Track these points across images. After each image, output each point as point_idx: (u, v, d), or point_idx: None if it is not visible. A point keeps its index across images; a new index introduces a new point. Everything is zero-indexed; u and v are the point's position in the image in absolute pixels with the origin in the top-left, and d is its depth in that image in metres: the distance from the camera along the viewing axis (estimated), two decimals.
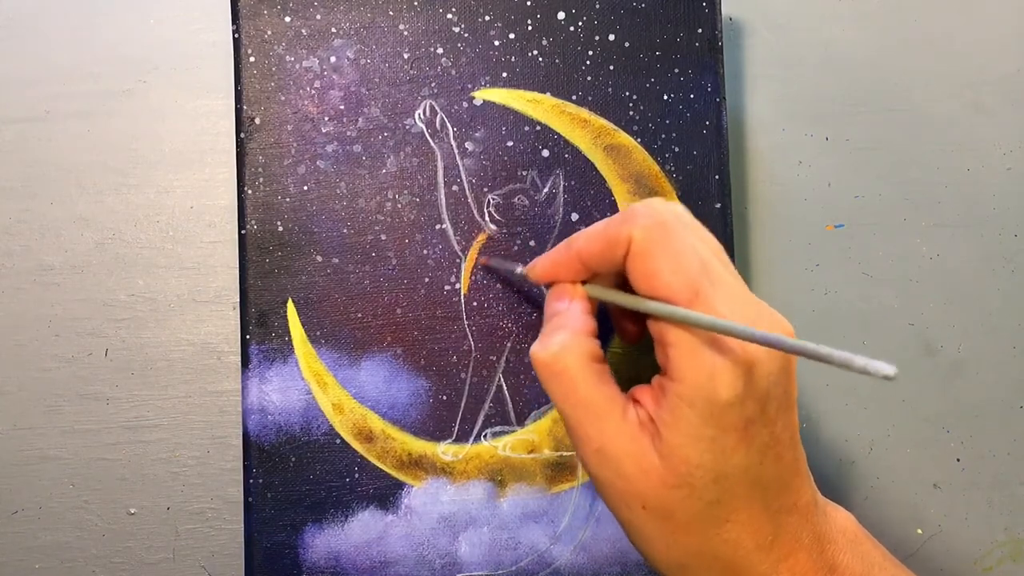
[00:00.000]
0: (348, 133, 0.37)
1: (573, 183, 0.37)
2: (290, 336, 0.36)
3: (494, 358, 0.37)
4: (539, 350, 0.30)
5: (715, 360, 0.27)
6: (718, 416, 0.27)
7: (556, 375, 0.29)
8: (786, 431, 0.29)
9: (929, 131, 0.42)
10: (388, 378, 0.37)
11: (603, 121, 0.38)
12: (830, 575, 0.30)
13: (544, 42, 0.37)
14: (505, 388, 0.37)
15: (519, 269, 0.34)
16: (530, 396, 0.37)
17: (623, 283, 0.31)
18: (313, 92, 0.37)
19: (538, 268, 0.32)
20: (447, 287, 0.37)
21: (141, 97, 0.41)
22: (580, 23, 0.38)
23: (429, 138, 0.37)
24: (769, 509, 0.29)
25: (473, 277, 0.37)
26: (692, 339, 0.28)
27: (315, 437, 0.36)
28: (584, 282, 0.32)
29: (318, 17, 0.37)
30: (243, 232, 0.37)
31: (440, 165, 0.37)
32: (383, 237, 0.37)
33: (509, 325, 0.37)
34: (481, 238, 0.37)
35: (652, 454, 0.28)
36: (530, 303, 0.37)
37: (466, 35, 0.37)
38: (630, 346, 0.36)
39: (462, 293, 0.37)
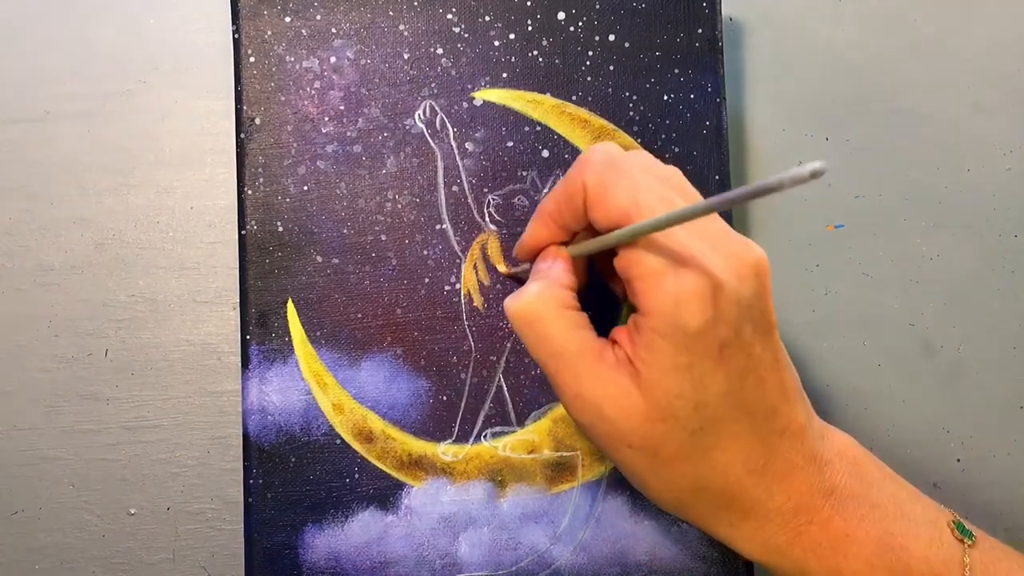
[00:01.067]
0: (348, 133, 0.37)
1: None
2: (290, 336, 0.36)
3: (494, 358, 0.37)
4: (511, 301, 0.30)
5: (679, 288, 0.27)
6: (690, 343, 0.27)
7: (529, 323, 0.29)
8: (766, 353, 0.29)
9: (929, 131, 0.42)
10: (388, 378, 0.37)
11: (603, 121, 0.38)
12: (828, 496, 0.30)
13: (544, 42, 0.37)
14: (505, 388, 0.37)
15: (525, 266, 0.35)
16: (530, 396, 0.37)
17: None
18: (313, 92, 0.37)
19: (523, 245, 0.33)
20: (447, 287, 0.37)
21: (141, 97, 0.41)
22: (580, 23, 0.38)
23: (429, 138, 0.37)
24: (758, 433, 0.29)
25: (476, 276, 0.37)
26: (654, 269, 0.28)
27: (315, 437, 0.36)
28: (566, 244, 0.32)
29: (318, 17, 0.37)
30: (243, 232, 0.37)
31: (440, 165, 0.37)
32: (383, 237, 0.37)
33: (509, 325, 0.37)
34: (482, 238, 0.37)
35: (633, 392, 0.28)
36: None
37: (466, 35, 0.37)
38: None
39: (462, 294, 0.37)
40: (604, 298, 0.35)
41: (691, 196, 0.30)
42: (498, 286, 0.37)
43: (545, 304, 0.29)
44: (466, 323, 0.37)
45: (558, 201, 0.31)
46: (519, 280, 0.37)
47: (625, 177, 0.29)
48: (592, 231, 0.31)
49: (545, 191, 0.37)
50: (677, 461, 0.29)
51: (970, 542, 0.31)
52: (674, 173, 0.30)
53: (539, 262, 0.32)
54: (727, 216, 0.37)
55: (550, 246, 0.32)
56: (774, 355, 0.29)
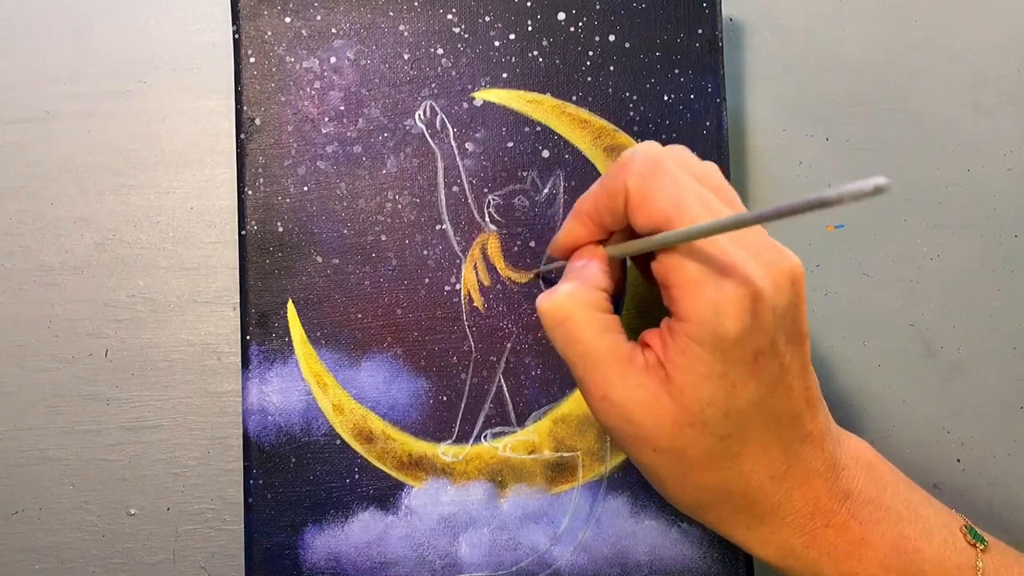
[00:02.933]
0: (348, 134, 0.37)
1: (573, 184, 0.37)
2: (290, 337, 0.36)
3: (494, 359, 0.37)
4: (543, 299, 0.30)
5: (719, 295, 0.27)
6: (727, 351, 0.27)
7: (559, 323, 0.29)
8: (795, 362, 0.29)
9: (929, 131, 0.42)
10: (388, 379, 0.37)
11: (603, 122, 0.37)
12: (845, 501, 0.30)
13: (544, 43, 0.37)
14: (505, 389, 0.37)
15: (556, 264, 0.34)
16: (530, 397, 0.37)
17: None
18: (313, 93, 0.37)
19: (558, 243, 0.33)
20: (447, 288, 0.37)
21: (141, 97, 0.41)
22: (580, 24, 0.38)
23: (429, 139, 0.37)
24: (782, 440, 0.29)
25: (476, 276, 0.37)
26: (695, 276, 0.27)
27: (315, 438, 0.36)
28: (603, 243, 0.32)
29: (318, 18, 0.37)
30: (243, 233, 0.37)
31: (440, 166, 0.37)
32: (383, 238, 0.37)
33: (509, 325, 0.37)
34: (482, 238, 0.37)
35: (663, 396, 0.28)
36: (529, 302, 0.37)
37: (466, 36, 0.37)
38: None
39: (462, 294, 0.37)
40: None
41: (728, 195, 0.30)
42: (498, 286, 0.37)
43: (576, 304, 0.29)
44: (466, 323, 0.37)
45: (597, 201, 0.30)
46: (548, 281, 0.37)
47: (668, 180, 0.28)
48: (630, 232, 0.31)
49: (545, 191, 0.37)
50: (702, 466, 0.29)
51: (983, 546, 0.31)
52: (712, 171, 0.30)
53: (574, 260, 0.32)
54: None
55: (586, 244, 0.32)
56: (802, 363, 0.29)
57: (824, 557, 0.30)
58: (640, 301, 0.37)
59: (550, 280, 0.37)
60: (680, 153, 0.30)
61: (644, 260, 0.32)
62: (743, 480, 0.29)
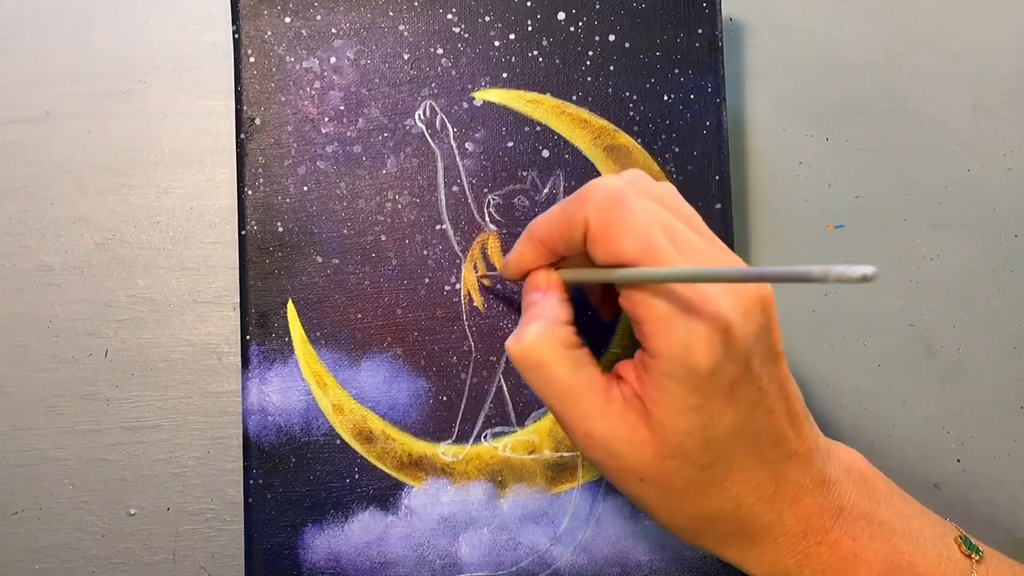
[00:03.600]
0: (348, 134, 0.37)
1: (573, 183, 0.37)
2: (290, 337, 0.36)
3: (494, 359, 0.37)
4: (513, 344, 0.30)
5: (688, 330, 0.27)
6: (701, 384, 0.27)
7: (533, 367, 0.29)
8: (773, 384, 0.29)
9: (929, 131, 0.42)
10: (388, 379, 0.37)
11: (603, 121, 0.37)
12: (837, 517, 0.30)
13: (544, 43, 0.37)
14: (505, 389, 0.37)
15: (492, 274, 0.35)
16: (530, 397, 0.37)
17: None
18: (313, 93, 0.37)
19: (510, 266, 0.32)
20: (447, 288, 0.37)
21: (141, 97, 0.41)
22: (580, 23, 0.38)
23: (429, 139, 0.37)
24: (766, 461, 0.29)
25: (476, 276, 0.37)
26: (662, 312, 0.27)
27: (315, 438, 0.36)
28: (556, 265, 0.32)
29: (318, 18, 0.37)
30: (243, 233, 0.37)
31: (440, 166, 0.37)
32: (383, 238, 0.37)
33: (509, 325, 0.37)
34: (482, 238, 0.37)
35: (642, 429, 0.28)
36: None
37: (466, 36, 0.37)
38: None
39: (462, 294, 0.37)
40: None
41: (689, 218, 0.30)
42: (498, 286, 0.37)
43: (547, 347, 0.29)
44: (466, 323, 0.37)
45: (552, 229, 0.30)
46: (493, 291, 0.37)
47: (631, 215, 0.28)
48: (585, 258, 0.31)
49: (545, 191, 0.37)
50: (688, 493, 0.29)
51: (977, 557, 0.31)
52: (671, 192, 0.30)
53: (531, 291, 0.32)
54: (726, 213, 0.37)
55: (539, 270, 0.32)
56: (781, 383, 0.29)
57: (818, 575, 0.30)
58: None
59: (495, 286, 0.37)
60: (638, 178, 0.30)
61: (601, 286, 0.32)
62: (731, 505, 0.29)
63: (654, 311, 0.27)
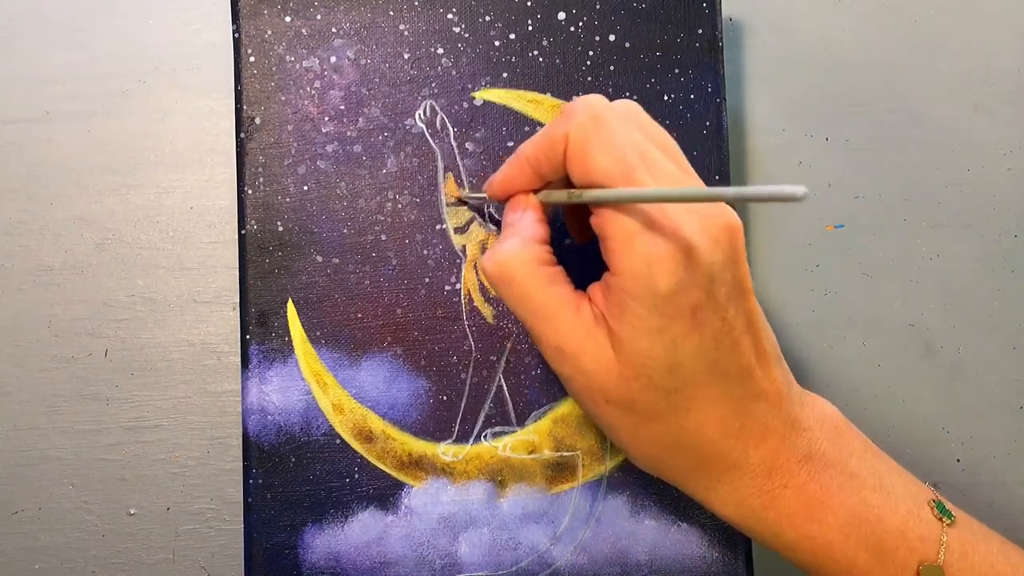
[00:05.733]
0: (348, 133, 0.37)
1: None
2: (290, 336, 0.36)
3: (494, 358, 0.37)
4: (488, 260, 0.30)
5: (650, 249, 0.27)
6: (662, 305, 0.27)
7: (506, 283, 0.30)
8: (740, 318, 0.29)
9: (929, 131, 0.42)
10: (388, 378, 0.37)
11: None
12: (805, 462, 0.30)
13: (544, 42, 0.37)
14: (505, 388, 0.37)
15: (477, 194, 0.35)
16: (530, 397, 0.37)
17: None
18: (313, 92, 0.37)
19: (494, 185, 0.33)
20: (447, 287, 0.37)
21: (141, 97, 0.41)
22: (580, 23, 0.38)
23: (429, 138, 0.37)
24: (731, 396, 0.29)
25: (476, 276, 0.37)
26: (626, 231, 0.28)
27: (315, 437, 0.36)
28: (537, 191, 0.32)
29: (318, 17, 0.37)
30: (243, 232, 0.37)
31: (440, 165, 0.37)
32: (383, 237, 0.37)
33: (509, 325, 0.37)
34: (482, 237, 0.37)
35: (608, 348, 0.29)
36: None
37: (466, 35, 0.37)
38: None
39: (462, 294, 0.37)
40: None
41: (665, 145, 0.30)
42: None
43: (521, 263, 0.29)
44: (466, 323, 0.37)
45: (537, 149, 0.30)
46: (472, 207, 0.37)
47: (608, 135, 0.29)
48: (567, 181, 0.31)
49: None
50: (652, 419, 0.29)
51: (949, 521, 0.31)
52: (664, 134, 0.30)
53: (509, 212, 0.32)
54: None
55: (519, 194, 0.32)
56: (749, 318, 0.29)
57: (783, 519, 0.30)
58: None
59: (470, 202, 0.37)
60: (630, 108, 0.30)
61: (575, 209, 0.32)
62: (693, 436, 0.29)
63: (620, 228, 0.28)
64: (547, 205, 0.32)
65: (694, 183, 0.30)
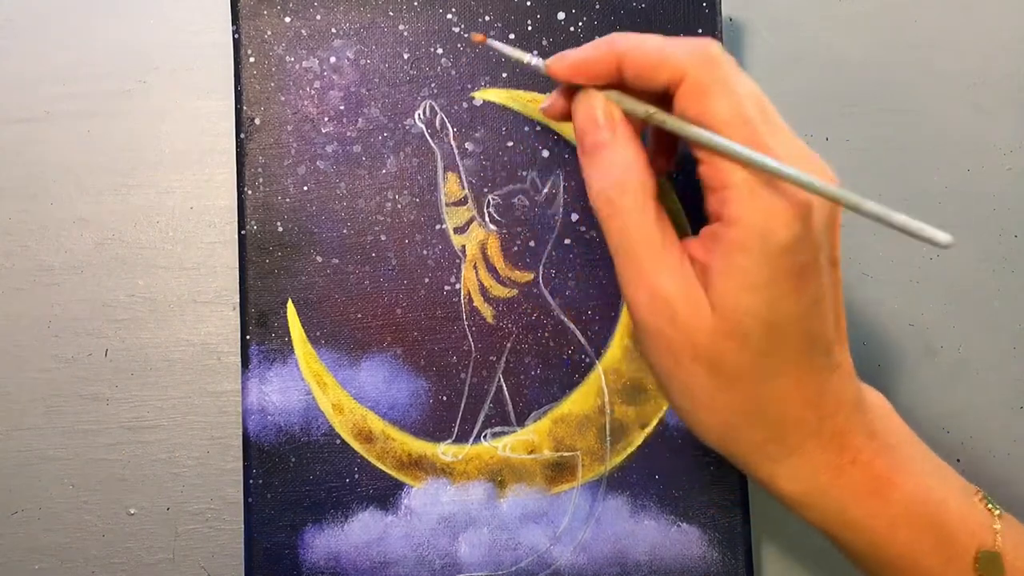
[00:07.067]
0: (348, 133, 0.37)
1: (573, 183, 0.37)
2: (290, 336, 0.36)
3: (494, 358, 0.37)
4: (598, 180, 0.28)
5: (774, 201, 0.26)
6: (774, 259, 0.27)
7: (616, 213, 0.28)
8: (832, 287, 0.28)
9: (929, 131, 0.42)
10: (388, 378, 0.37)
11: None
12: (871, 440, 0.29)
13: (544, 42, 0.37)
14: (505, 388, 0.37)
15: (531, 59, 0.31)
16: (530, 397, 0.37)
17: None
18: (313, 92, 0.37)
19: (567, 62, 0.30)
20: (447, 288, 0.37)
21: (141, 97, 0.41)
22: (580, 23, 0.38)
23: (429, 138, 0.37)
24: (816, 366, 0.28)
25: (476, 276, 0.37)
26: (751, 180, 0.27)
27: (315, 437, 0.36)
28: (610, 89, 0.30)
29: (318, 17, 0.37)
30: (243, 232, 0.37)
31: (440, 165, 0.37)
32: (383, 237, 0.37)
33: (509, 325, 0.37)
34: (482, 237, 0.37)
35: (706, 302, 0.27)
36: (529, 303, 0.37)
37: (466, 35, 0.37)
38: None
39: (462, 294, 0.37)
40: None
41: (774, 117, 0.29)
42: (498, 283, 0.37)
43: (633, 193, 0.28)
44: (466, 323, 0.37)
45: (641, 57, 0.28)
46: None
47: (731, 83, 0.27)
48: (642, 93, 0.29)
49: (545, 191, 0.37)
50: (739, 382, 0.28)
51: (998, 512, 0.31)
52: (759, 91, 0.29)
53: (594, 129, 0.29)
54: None
55: (605, 104, 0.29)
56: (836, 291, 0.29)
57: (849, 495, 0.29)
58: None
59: (498, 52, 0.33)
60: (734, 64, 0.29)
61: (659, 136, 0.31)
62: (777, 403, 0.28)
63: (740, 177, 0.27)
64: (631, 118, 0.29)
65: (805, 150, 0.28)
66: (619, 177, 0.28)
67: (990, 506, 0.31)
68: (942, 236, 0.21)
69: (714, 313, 0.27)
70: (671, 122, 0.28)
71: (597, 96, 0.30)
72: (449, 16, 0.37)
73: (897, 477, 0.29)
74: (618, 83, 0.30)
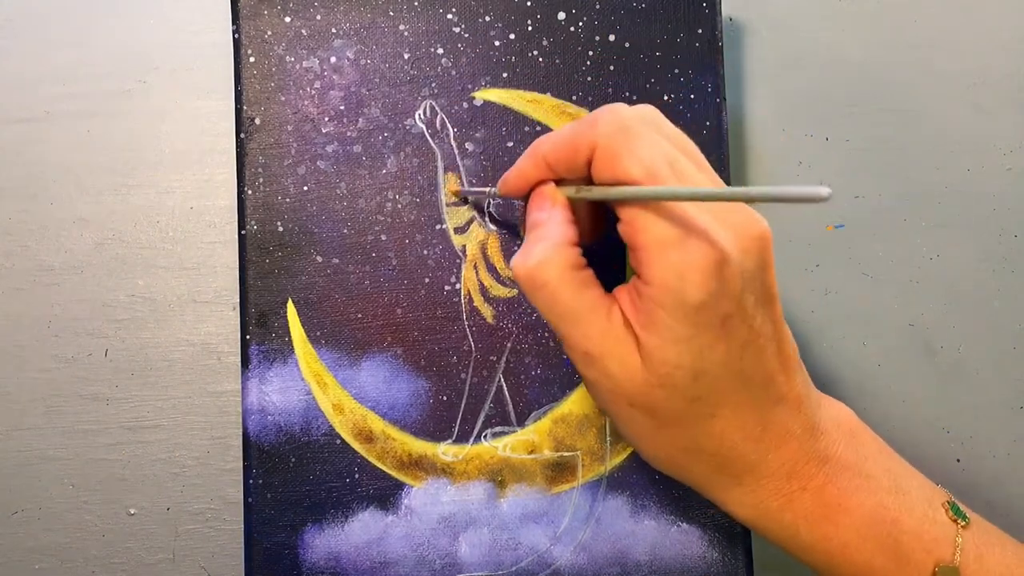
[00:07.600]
0: (348, 133, 0.37)
1: None
2: (290, 336, 0.36)
3: (494, 358, 0.37)
4: (520, 263, 0.30)
5: (683, 260, 0.27)
6: (692, 316, 0.27)
7: (539, 288, 0.29)
8: (766, 325, 0.29)
9: (929, 131, 0.42)
10: (388, 378, 0.37)
11: None
12: (823, 465, 0.30)
13: (544, 42, 0.37)
14: (505, 388, 0.37)
15: (491, 189, 0.34)
16: (530, 397, 0.37)
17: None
18: (313, 92, 0.37)
19: (509, 181, 0.32)
20: (447, 288, 0.37)
21: (141, 97, 0.41)
22: (580, 23, 0.38)
23: (429, 138, 0.37)
24: (755, 401, 0.29)
25: (476, 276, 0.37)
26: (660, 239, 0.27)
27: (315, 437, 0.36)
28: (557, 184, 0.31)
29: (318, 17, 0.37)
30: (243, 232, 0.37)
31: (440, 165, 0.37)
32: (383, 237, 0.37)
33: (509, 325, 0.37)
34: (482, 237, 0.37)
35: (634, 354, 0.29)
36: (529, 302, 0.37)
37: (466, 35, 0.37)
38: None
39: (462, 294, 0.37)
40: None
41: (699, 159, 0.30)
42: (499, 284, 0.37)
43: (553, 267, 0.29)
44: (466, 323, 0.37)
45: (559, 147, 0.30)
46: (473, 203, 0.37)
47: (637, 140, 0.28)
48: (582, 183, 0.31)
49: None
50: (675, 425, 0.29)
51: (963, 523, 0.31)
52: (683, 136, 0.30)
53: (535, 209, 0.31)
54: None
55: (545, 187, 0.31)
56: (774, 325, 0.29)
57: (800, 520, 0.30)
58: None
59: (469, 197, 0.37)
60: (650, 112, 0.30)
61: (594, 211, 0.32)
62: (715, 441, 0.29)
63: (649, 236, 0.28)
64: (575, 203, 0.31)
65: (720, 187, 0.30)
66: (541, 256, 0.29)
67: (955, 516, 0.31)
68: (823, 190, 0.22)
69: (643, 365, 0.29)
70: (595, 191, 0.30)
71: (544, 187, 0.32)
72: (449, 16, 0.37)
73: (850, 501, 0.30)
74: (561, 179, 0.31)
